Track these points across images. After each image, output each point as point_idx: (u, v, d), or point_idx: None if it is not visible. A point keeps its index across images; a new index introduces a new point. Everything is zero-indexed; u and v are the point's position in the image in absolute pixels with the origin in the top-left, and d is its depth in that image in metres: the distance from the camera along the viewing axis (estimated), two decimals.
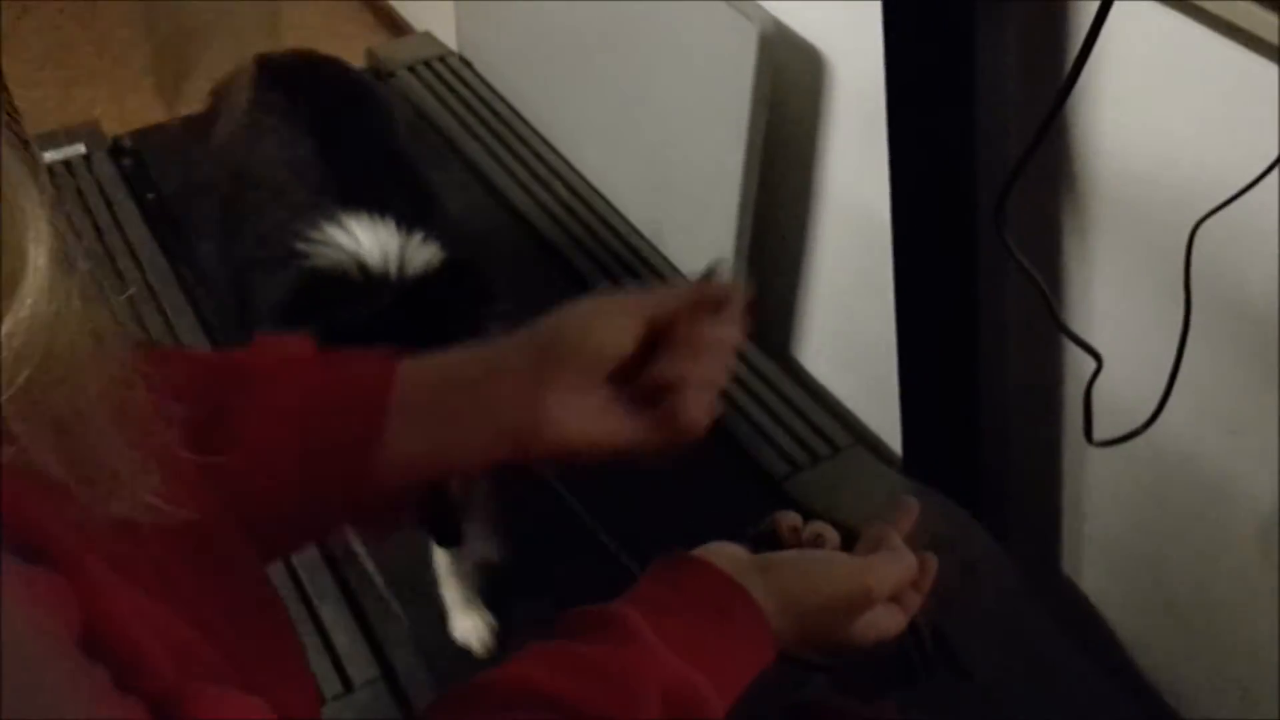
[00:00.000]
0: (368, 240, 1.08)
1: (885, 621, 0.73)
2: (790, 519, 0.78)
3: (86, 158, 1.72)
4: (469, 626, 1.16)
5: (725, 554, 0.70)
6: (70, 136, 1.74)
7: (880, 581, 0.72)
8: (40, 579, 0.42)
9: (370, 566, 1.18)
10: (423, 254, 1.09)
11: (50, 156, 1.70)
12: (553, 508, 1.20)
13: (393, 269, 1.06)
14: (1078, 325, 1.07)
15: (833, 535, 0.77)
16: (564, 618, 0.66)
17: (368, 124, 1.33)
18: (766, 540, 0.77)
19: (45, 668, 0.41)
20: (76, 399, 0.43)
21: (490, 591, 1.18)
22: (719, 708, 0.62)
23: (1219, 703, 1.11)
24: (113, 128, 1.82)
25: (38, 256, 0.39)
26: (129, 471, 0.46)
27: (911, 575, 0.75)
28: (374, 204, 1.13)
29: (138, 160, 1.73)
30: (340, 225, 1.09)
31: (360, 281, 1.05)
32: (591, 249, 1.56)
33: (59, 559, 0.43)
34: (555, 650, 0.63)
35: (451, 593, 1.16)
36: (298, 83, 1.32)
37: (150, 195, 1.66)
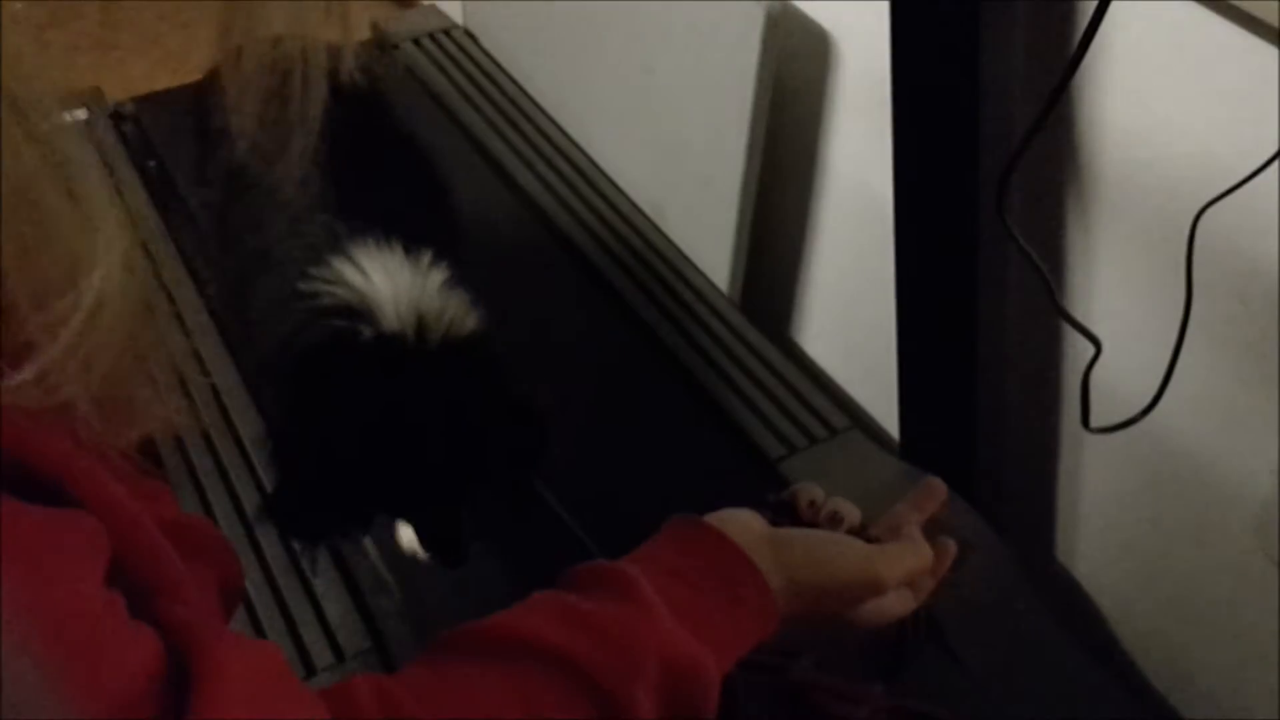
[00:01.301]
0: (379, 279, 0.98)
1: (895, 606, 0.73)
2: (811, 492, 0.78)
3: (88, 123, 1.71)
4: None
5: (739, 523, 0.70)
6: (71, 102, 1.73)
7: (891, 570, 0.72)
8: (72, 520, 0.43)
9: (364, 538, 1.18)
10: (432, 302, 0.99)
11: (45, 125, 1.69)
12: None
13: (410, 330, 0.96)
14: (1078, 310, 1.07)
15: (852, 513, 0.77)
16: (571, 571, 0.66)
17: (371, 119, 1.27)
18: (785, 510, 0.77)
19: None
20: (120, 347, 0.45)
21: None
22: (716, 677, 0.63)
23: (1212, 692, 1.11)
24: (114, 94, 1.82)
25: (115, 208, 0.43)
26: (151, 406, 0.48)
27: (925, 565, 0.75)
28: (379, 215, 1.04)
29: (139, 127, 1.72)
30: (348, 259, 0.99)
31: (372, 343, 0.95)
32: (593, 226, 1.56)
33: (85, 493, 0.44)
34: (558, 602, 0.63)
35: None
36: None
37: (151, 163, 1.66)
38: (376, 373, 0.94)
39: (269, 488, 1.11)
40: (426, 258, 1.01)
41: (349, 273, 0.98)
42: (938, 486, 0.85)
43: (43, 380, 0.41)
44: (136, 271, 0.46)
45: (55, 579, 0.41)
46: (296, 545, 1.11)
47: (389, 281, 0.97)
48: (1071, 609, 1.22)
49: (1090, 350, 0.94)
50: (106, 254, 0.43)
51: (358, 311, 0.96)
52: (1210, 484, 1.04)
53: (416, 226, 1.06)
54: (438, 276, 1.00)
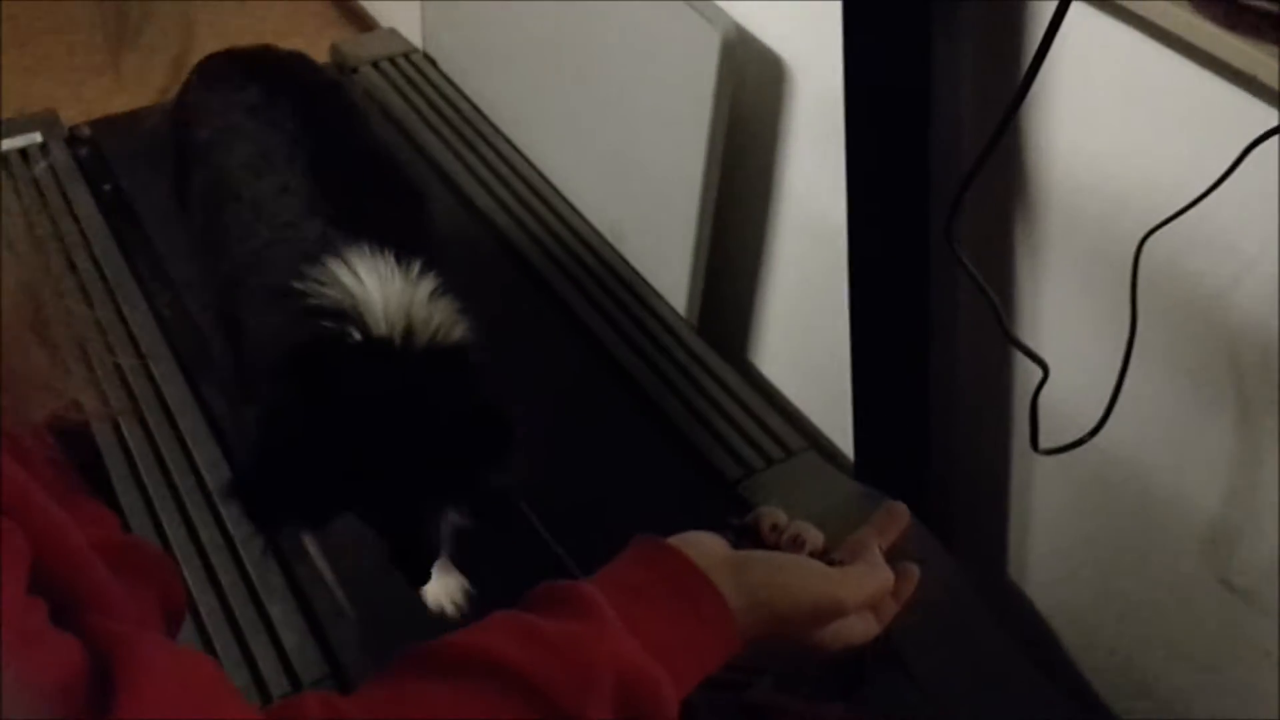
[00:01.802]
0: (370, 283, 1.00)
1: (857, 629, 0.73)
2: (774, 516, 0.78)
3: (43, 146, 1.70)
4: (439, 589, 1.13)
5: (701, 545, 0.70)
6: (27, 124, 1.72)
7: (852, 593, 0.72)
8: None
9: (321, 565, 1.18)
10: (423, 311, 1.00)
11: (6, 145, 1.68)
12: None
13: (397, 334, 0.98)
14: (1026, 335, 1.09)
15: (815, 537, 0.78)
16: (530, 592, 0.66)
17: (347, 128, 1.28)
18: (747, 534, 0.77)
19: None
20: (7, 319, 0.45)
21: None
22: (673, 697, 0.62)
23: (1164, 706, 1.12)
24: (71, 117, 1.80)
25: None
26: (54, 379, 0.48)
27: (887, 588, 0.76)
28: (365, 221, 1.06)
29: (95, 150, 1.71)
30: (338, 260, 1.01)
31: (360, 347, 0.97)
32: (551, 249, 1.56)
33: (8, 500, 0.44)
34: (514, 621, 0.63)
35: None
36: (273, 83, 1.26)
37: (107, 186, 1.65)
38: (359, 374, 0.96)
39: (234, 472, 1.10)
40: (416, 266, 1.02)
41: (343, 275, 1.00)
42: (900, 510, 0.85)
43: None
44: (19, 247, 0.46)
45: None
46: (257, 531, 1.11)
47: (379, 286, 0.99)
48: (1023, 625, 1.23)
49: (1038, 374, 0.96)
50: None
51: (348, 314, 0.98)
52: (1156, 503, 1.06)
53: (401, 235, 1.07)
54: (427, 285, 1.02)
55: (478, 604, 1.17)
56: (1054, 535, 1.19)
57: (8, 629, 0.42)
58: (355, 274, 1.00)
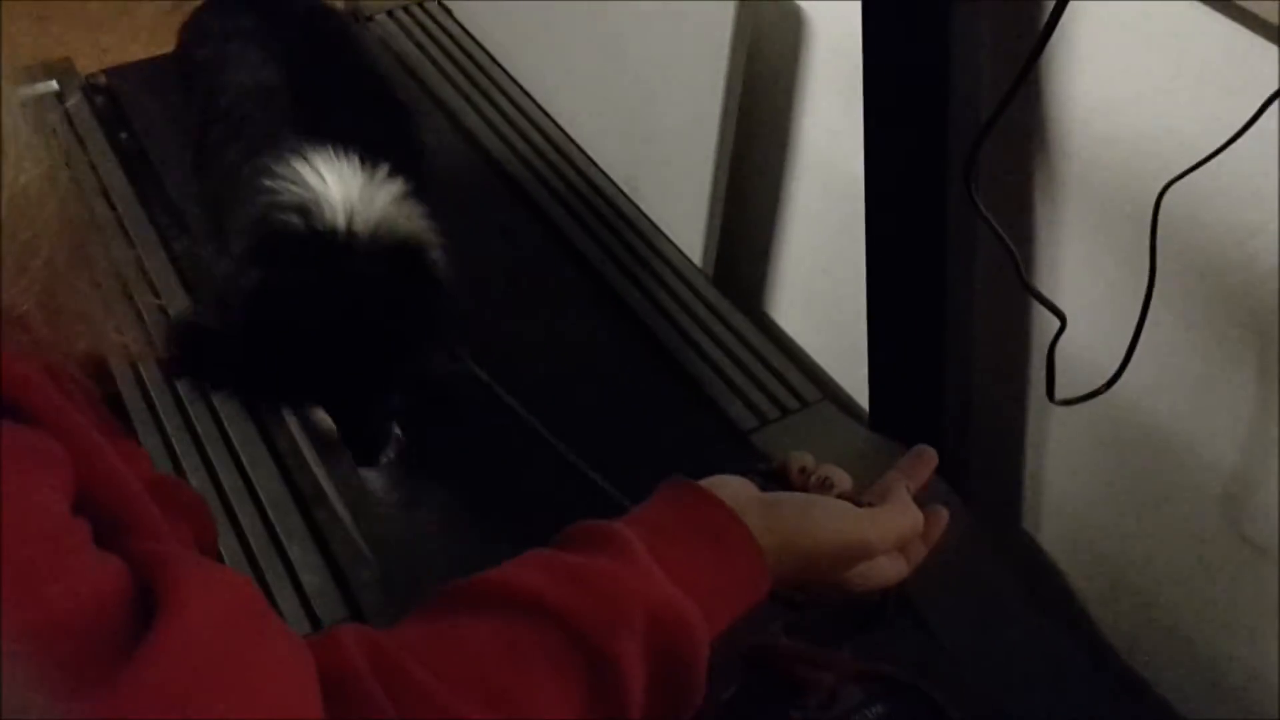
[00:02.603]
0: (330, 181, 1.09)
1: (887, 570, 0.74)
2: (802, 459, 0.79)
3: (59, 95, 1.70)
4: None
5: (731, 488, 0.71)
6: (43, 73, 1.72)
7: (882, 534, 0.72)
8: (38, 438, 0.43)
9: (340, 508, 1.19)
10: (381, 206, 1.10)
11: (21, 94, 1.67)
12: (518, 459, 1.21)
13: (342, 224, 1.07)
14: (1044, 285, 1.08)
15: (843, 479, 0.78)
16: (563, 531, 0.66)
17: (334, 47, 1.35)
18: (775, 478, 0.78)
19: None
20: (51, 251, 0.46)
21: None
22: (704, 636, 0.63)
23: (1177, 660, 1.13)
24: (87, 66, 1.80)
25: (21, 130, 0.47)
26: (95, 313, 0.49)
27: (917, 530, 0.76)
28: (341, 132, 1.13)
29: (111, 98, 1.71)
30: (303, 160, 1.10)
31: (309, 236, 1.06)
32: (567, 199, 1.56)
33: (52, 422, 0.45)
34: (548, 558, 0.63)
35: None
36: (270, 7, 1.34)
37: (124, 134, 1.65)
38: (307, 259, 1.06)
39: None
40: (383, 170, 1.11)
41: (305, 173, 1.09)
42: (929, 455, 0.85)
43: None
44: (61, 184, 0.49)
45: (14, 491, 0.41)
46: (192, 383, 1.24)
47: (338, 183, 1.08)
48: (1036, 577, 1.24)
49: (1055, 324, 0.96)
50: (15, 173, 0.45)
51: (307, 208, 1.07)
52: (1173, 456, 1.06)
53: (382, 146, 1.15)
54: (393, 187, 1.11)
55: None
56: (1069, 486, 1.20)
57: (51, 542, 0.43)
58: (318, 172, 1.09)
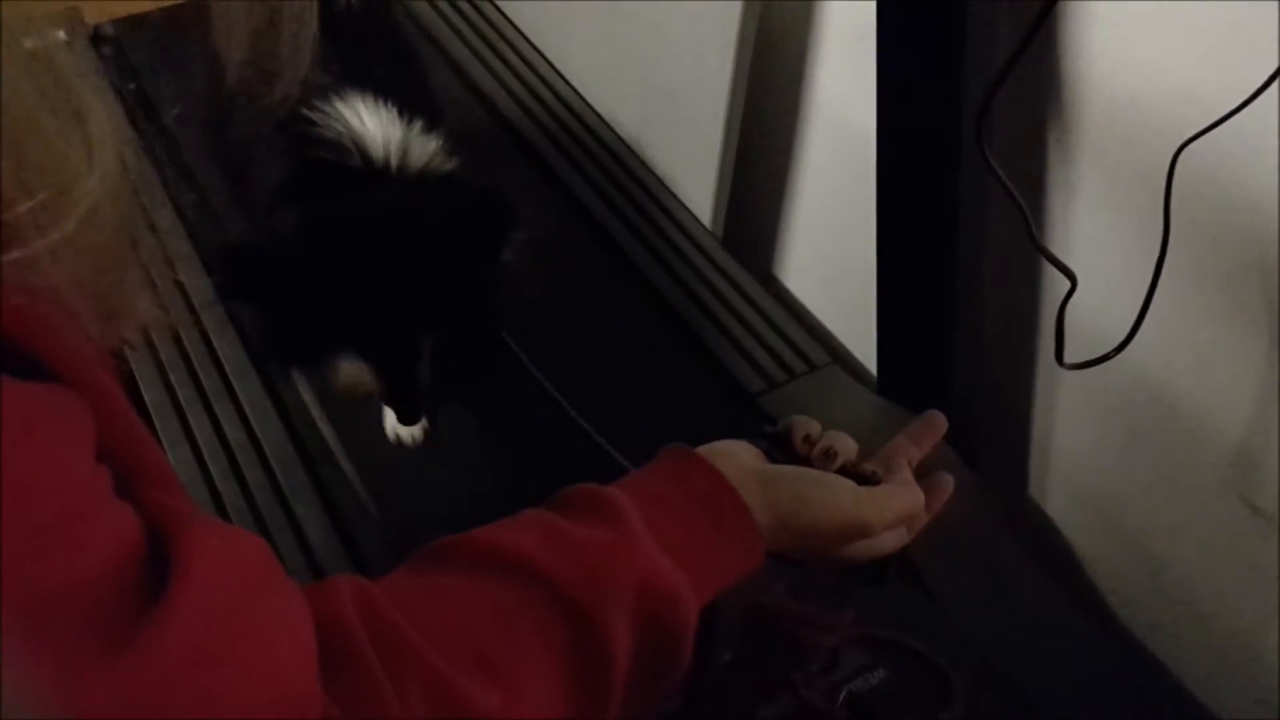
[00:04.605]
0: (370, 123, 1.08)
1: (886, 543, 0.74)
2: (807, 426, 0.78)
3: (67, 45, 1.68)
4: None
5: (733, 458, 0.70)
6: (50, 23, 1.70)
7: (879, 515, 0.72)
8: (59, 392, 0.43)
9: (346, 465, 1.19)
10: (424, 151, 1.10)
11: (28, 44, 1.66)
12: (525, 414, 1.21)
13: (394, 160, 1.07)
14: (1055, 245, 1.07)
15: (847, 448, 0.77)
16: (559, 492, 0.66)
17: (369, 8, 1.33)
18: (779, 444, 0.77)
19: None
20: (107, 240, 0.45)
21: None
22: (692, 609, 0.63)
23: (1181, 630, 1.13)
24: (94, 15, 1.79)
25: (108, 115, 0.48)
26: (136, 294, 0.49)
27: (916, 508, 0.76)
28: (376, 89, 1.13)
29: (119, 49, 1.70)
30: (343, 102, 1.09)
31: (359, 168, 1.06)
32: (576, 157, 1.55)
33: (74, 377, 0.45)
34: (543, 521, 0.63)
35: None
36: None
37: (131, 85, 1.64)
38: (352, 195, 1.05)
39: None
40: (419, 122, 1.12)
41: (348, 115, 1.08)
42: (938, 420, 0.85)
43: (33, 265, 0.42)
44: (128, 170, 0.49)
45: (45, 448, 0.41)
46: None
47: (380, 126, 1.09)
48: (1043, 544, 1.23)
49: (1066, 285, 0.95)
50: (100, 159, 0.46)
51: (351, 146, 1.07)
52: (1184, 421, 1.05)
53: (406, 94, 1.15)
54: (430, 140, 1.11)
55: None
56: (1077, 452, 1.19)
57: (79, 491, 0.43)
58: (359, 116, 1.09)
